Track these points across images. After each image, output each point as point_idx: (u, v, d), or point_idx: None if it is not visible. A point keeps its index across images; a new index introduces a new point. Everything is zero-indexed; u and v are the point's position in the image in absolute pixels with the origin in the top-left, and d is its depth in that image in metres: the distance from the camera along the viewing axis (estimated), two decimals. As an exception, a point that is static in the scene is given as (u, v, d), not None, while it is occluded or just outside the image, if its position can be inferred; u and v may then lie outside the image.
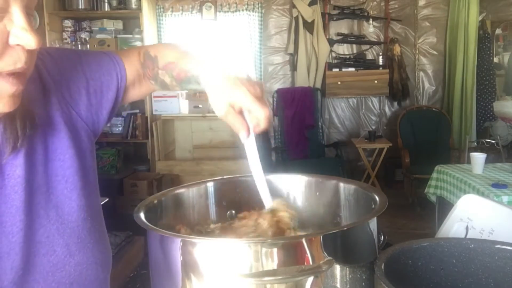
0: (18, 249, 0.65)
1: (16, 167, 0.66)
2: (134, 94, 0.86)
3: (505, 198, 2.63)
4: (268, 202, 0.75)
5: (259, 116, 0.69)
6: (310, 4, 5.13)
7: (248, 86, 0.69)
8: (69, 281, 0.70)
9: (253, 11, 5.14)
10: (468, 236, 0.84)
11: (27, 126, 0.66)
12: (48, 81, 0.73)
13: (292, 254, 0.59)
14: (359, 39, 5.35)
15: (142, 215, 0.69)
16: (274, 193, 0.89)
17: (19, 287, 0.65)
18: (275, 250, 0.58)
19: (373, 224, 0.67)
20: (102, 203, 0.82)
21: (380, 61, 5.26)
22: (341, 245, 0.62)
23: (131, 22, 5.02)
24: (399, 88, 5.24)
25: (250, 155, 0.73)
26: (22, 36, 0.57)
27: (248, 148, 0.72)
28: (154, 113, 4.84)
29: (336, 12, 5.29)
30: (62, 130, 0.72)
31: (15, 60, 0.58)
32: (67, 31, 4.83)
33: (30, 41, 0.57)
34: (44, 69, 0.72)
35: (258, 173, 0.74)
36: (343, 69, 5.21)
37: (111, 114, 0.82)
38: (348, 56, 5.38)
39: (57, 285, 0.69)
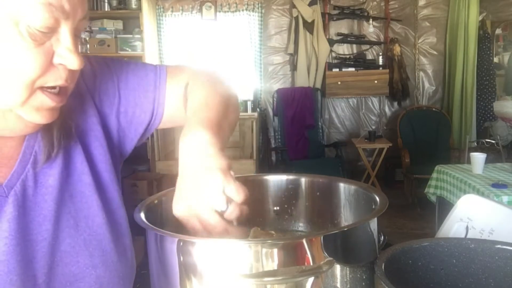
0: (39, 258, 0.65)
1: (50, 176, 0.67)
2: (179, 120, 0.79)
3: (505, 198, 2.63)
4: None
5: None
6: (310, 4, 5.13)
7: (218, 180, 0.58)
8: None
9: (253, 11, 5.14)
10: (468, 236, 0.84)
11: (63, 136, 0.67)
12: (84, 91, 0.73)
13: (292, 255, 0.59)
14: (359, 39, 5.35)
15: (142, 215, 0.69)
16: (275, 193, 0.89)
17: None
18: (275, 250, 0.58)
19: (373, 224, 0.67)
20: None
21: (380, 61, 5.27)
22: (342, 245, 0.62)
23: (131, 22, 5.02)
24: (399, 88, 5.24)
25: None
26: (67, 57, 0.58)
27: None
28: (154, 113, 4.83)
29: (336, 12, 5.29)
30: (99, 140, 0.73)
31: (56, 78, 0.59)
32: (67, 31, 4.83)
33: (74, 62, 0.58)
34: (81, 78, 0.71)
35: None
36: (343, 69, 5.22)
37: (143, 136, 0.80)
38: (348, 56, 5.38)
39: None
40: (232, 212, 0.60)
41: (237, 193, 0.59)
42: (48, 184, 0.67)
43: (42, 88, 0.58)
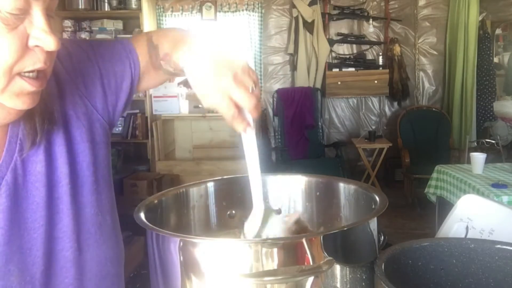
0: (39, 245, 0.66)
1: (37, 163, 0.67)
2: (149, 82, 0.84)
3: (505, 198, 2.63)
4: (258, 204, 0.71)
5: (245, 105, 0.63)
6: (310, 4, 5.13)
7: (238, 72, 0.63)
8: (80, 277, 0.70)
9: (253, 11, 5.15)
10: (468, 236, 0.84)
11: (46, 121, 0.67)
12: (62, 74, 0.72)
13: (292, 254, 0.59)
14: (359, 39, 5.35)
15: (142, 215, 0.69)
16: (275, 193, 0.89)
17: (41, 282, 0.66)
18: (275, 250, 0.58)
19: (373, 224, 0.67)
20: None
21: (380, 61, 5.26)
22: (342, 245, 0.62)
23: (131, 22, 5.02)
24: (399, 88, 5.24)
25: (248, 151, 0.68)
26: (42, 38, 0.57)
27: (247, 142, 0.68)
28: (154, 113, 4.84)
29: (336, 12, 5.29)
30: (77, 123, 0.72)
31: (34, 61, 0.58)
32: (67, 31, 4.83)
33: (50, 43, 0.57)
34: (58, 62, 0.71)
35: (255, 172, 0.69)
36: (343, 69, 5.21)
37: (126, 103, 0.81)
38: (348, 56, 5.38)
39: (70, 281, 0.69)
40: (257, 91, 0.64)
41: (257, 76, 0.64)
42: (36, 171, 0.66)
43: (20, 74, 0.58)
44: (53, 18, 0.60)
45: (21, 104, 0.60)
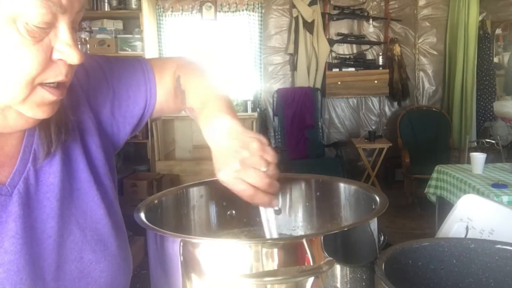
0: (46, 256, 0.66)
1: (50, 174, 0.67)
2: (167, 110, 0.84)
3: (505, 198, 2.63)
4: None
5: (258, 186, 0.64)
6: (310, 4, 5.13)
7: (247, 155, 0.64)
8: None
9: (253, 11, 5.14)
10: (468, 236, 0.84)
11: (62, 132, 0.67)
12: (77, 88, 0.73)
13: (292, 255, 0.59)
14: (359, 39, 5.35)
15: (142, 215, 0.69)
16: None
17: None
18: (275, 250, 0.58)
19: (373, 224, 0.67)
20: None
21: (380, 61, 5.26)
22: (342, 245, 0.62)
23: (131, 22, 5.02)
24: (399, 88, 5.24)
25: (265, 223, 0.70)
26: (66, 52, 0.58)
27: (263, 216, 0.70)
28: (154, 113, 4.84)
29: (336, 12, 5.29)
30: (93, 136, 0.74)
31: (57, 74, 0.59)
32: (67, 31, 4.82)
33: (74, 57, 0.58)
34: (74, 77, 0.72)
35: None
36: (343, 69, 5.21)
37: (135, 128, 0.81)
38: (348, 56, 5.38)
39: None
40: (272, 170, 0.65)
41: (273, 155, 0.65)
42: (49, 182, 0.67)
43: (42, 84, 0.58)
44: (77, 30, 0.61)
45: (41, 114, 0.60)
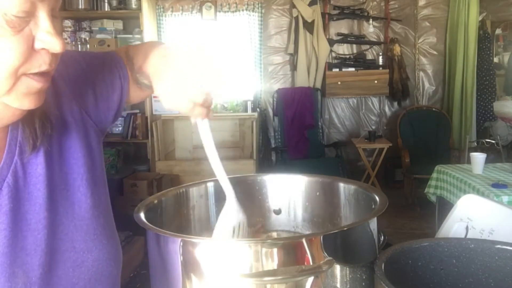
0: (44, 246, 0.66)
1: (37, 165, 0.67)
2: (134, 95, 0.85)
3: (505, 198, 2.63)
4: (228, 190, 0.73)
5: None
6: (310, 4, 5.13)
7: (204, 73, 0.64)
8: (88, 277, 0.71)
9: (253, 11, 5.14)
10: (468, 236, 0.84)
11: (47, 126, 0.67)
12: (59, 82, 0.73)
13: (292, 254, 0.59)
14: (359, 39, 5.35)
15: (142, 215, 0.69)
16: (275, 193, 0.89)
17: (45, 283, 0.66)
18: (275, 250, 0.58)
19: (373, 224, 0.67)
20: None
21: (380, 61, 5.26)
22: (341, 245, 0.62)
23: (131, 22, 5.02)
24: (399, 88, 5.24)
25: (204, 137, 0.70)
26: (48, 40, 0.57)
27: (202, 131, 0.70)
28: (154, 113, 4.84)
29: (336, 12, 5.29)
30: (74, 129, 0.74)
31: (40, 64, 0.58)
32: (67, 31, 4.83)
33: (56, 45, 0.58)
34: (56, 71, 0.72)
35: (214, 157, 0.71)
36: (343, 69, 5.21)
37: (117, 114, 0.83)
38: (348, 56, 5.38)
39: (77, 281, 0.70)
40: (207, 85, 0.65)
41: (208, 71, 0.65)
42: (37, 173, 0.67)
43: (25, 74, 0.58)
44: (57, 18, 0.60)
45: (28, 104, 0.60)
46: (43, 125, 0.67)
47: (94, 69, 0.79)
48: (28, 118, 0.65)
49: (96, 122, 0.78)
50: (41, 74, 0.59)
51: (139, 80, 0.79)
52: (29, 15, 0.55)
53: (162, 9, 5.18)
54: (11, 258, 0.63)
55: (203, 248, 0.60)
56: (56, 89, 0.73)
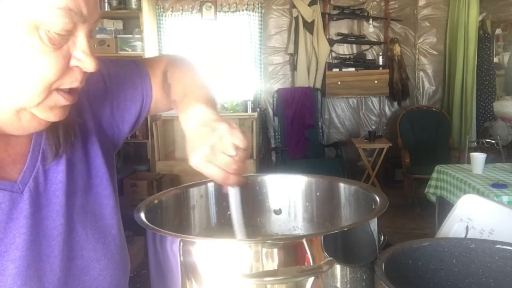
0: (57, 252, 0.67)
1: (58, 173, 0.69)
2: (161, 107, 0.86)
3: (505, 198, 2.63)
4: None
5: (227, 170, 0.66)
6: (310, 4, 5.13)
7: (217, 140, 0.65)
8: (95, 285, 0.71)
9: (253, 11, 5.14)
10: (468, 236, 0.84)
11: (70, 133, 0.69)
12: (79, 92, 0.74)
13: (292, 255, 0.59)
14: (359, 39, 5.35)
15: (142, 215, 0.69)
16: (275, 193, 0.89)
17: None
18: (275, 250, 0.58)
19: (373, 224, 0.67)
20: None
21: (380, 61, 5.27)
22: (342, 245, 0.62)
23: (131, 22, 5.02)
24: (399, 88, 5.24)
25: (234, 205, 0.71)
26: (83, 60, 0.60)
27: (233, 196, 0.70)
28: (154, 113, 4.84)
29: (336, 12, 5.29)
30: (94, 137, 0.76)
31: (72, 80, 0.61)
32: (67, 31, 4.83)
33: (90, 65, 0.60)
34: None
35: (239, 225, 0.71)
36: (343, 69, 5.21)
37: (133, 127, 0.84)
38: (348, 56, 5.38)
39: None
40: (241, 154, 0.66)
41: (242, 140, 0.66)
42: (57, 179, 0.69)
43: (57, 89, 0.60)
44: (92, 39, 0.63)
45: (53, 116, 0.62)
46: (67, 133, 0.69)
47: (116, 80, 0.80)
48: (52, 125, 0.66)
49: (108, 134, 0.79)
50: (70, 90, 0.62)
51: (172, 105, 0.81)
52: (69, 34, 0.58)
53: (162, 9, 5.18)
54: (28, 261, 0.63)
55: (203, 248, 0.60)
56: (78, 100, 0.73)
